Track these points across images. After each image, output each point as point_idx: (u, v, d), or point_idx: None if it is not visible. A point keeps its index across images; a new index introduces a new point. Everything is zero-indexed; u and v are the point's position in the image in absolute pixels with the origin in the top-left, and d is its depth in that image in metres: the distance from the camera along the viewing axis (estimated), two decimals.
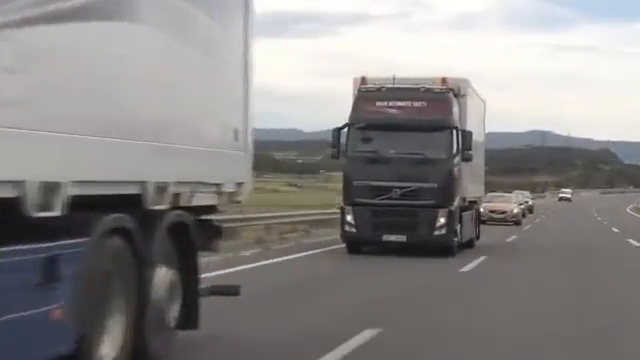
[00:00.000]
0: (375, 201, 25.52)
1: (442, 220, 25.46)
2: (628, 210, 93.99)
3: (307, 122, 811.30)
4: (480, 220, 32.03)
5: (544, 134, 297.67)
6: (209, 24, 9.55)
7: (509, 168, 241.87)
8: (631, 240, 37.08)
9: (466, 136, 25.91)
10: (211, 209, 10.25)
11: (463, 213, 27.16)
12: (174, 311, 9.05)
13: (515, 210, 51.85)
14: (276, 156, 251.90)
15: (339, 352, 10.67)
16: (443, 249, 25.70)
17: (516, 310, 15.48)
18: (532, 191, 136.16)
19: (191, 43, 9.04)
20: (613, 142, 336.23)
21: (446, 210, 25.46)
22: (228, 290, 11.09)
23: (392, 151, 25.73)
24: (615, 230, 47.71)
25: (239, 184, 10.65)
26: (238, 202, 10.86)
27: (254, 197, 13.90)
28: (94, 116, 7.16)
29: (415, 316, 14.25)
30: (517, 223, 50.69)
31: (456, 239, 26.03)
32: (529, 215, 68.79)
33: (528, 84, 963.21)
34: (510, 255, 29.33)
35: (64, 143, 6.69)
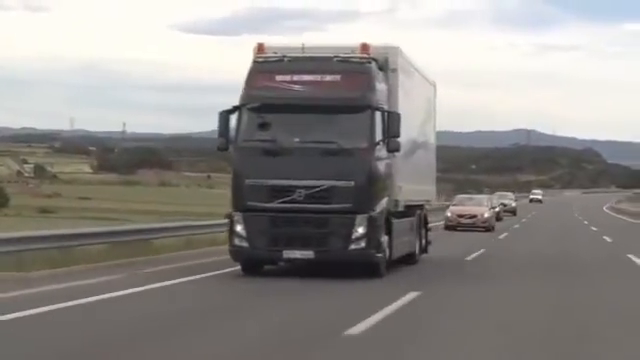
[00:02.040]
0: (273, 205, 18.53)
1: (360, 230, 18.44)
2: (604, 209, 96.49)
3: None
4: (427, 229, 24.70)
5: (529, 133, 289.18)
6: None
7: (495, 167, 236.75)
8: (594, 227, 49.77)
9: (392, 120, 18.86)
10: None
11: (395, 220, 20.13)
12: None
13: (486, 214, 43.83)
14: None
15: None
16: (365, 268, 18.75)
17: None
18: (518, 190, 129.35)
19: None
20: (597, 141, 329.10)
21: (365, 217, 18.44)
22: None
23: (295, 139, 18.74)
24: (589, 225, 54.12)
25: None
26: None
27: None
28: None
29: None
30: (488, 229, 42.73)
31: (381, 255, 18.93)
32: (512, 218, 62.17)
33: (514, 83, 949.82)
34: None
35: None
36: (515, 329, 12.66)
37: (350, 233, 18.37)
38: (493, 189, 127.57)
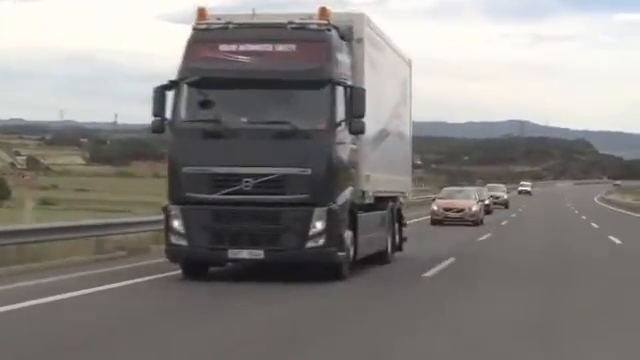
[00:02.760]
0: (216, 197, 15.65)
1: (318, 225, 15.56)
2: (595, 200, 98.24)
3: None
4: (402, 224, 21.76)
5: (522, 124, 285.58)
6: None
7: (488, 158, 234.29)
8: (584, 216, 53.00)
9: (356, 96, 15.95)
10: None
11: (362, 214, 17.25)
12: None
13: (474, 208, 40.90)
14: None
15: None
16: (325, 269, 15.89)
17: None
18: (510, 182, 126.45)
19: None
20: (589, 132, 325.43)
21: (325, 210, 15.55)
22: None
23: (242, 119, 15.91)
24: (579, 214, 56.21)
25: None
26: None
27: None
28: None
29: None
30: (476, 223, 39.81)
31: (343, 253, 16.01)
32: (504, 211, 58.80)
33: (507, 74, 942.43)
34: None
35: None
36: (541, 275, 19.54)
37: (307, 229, 15.49)
38: (486, 180, 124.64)
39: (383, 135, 19.26)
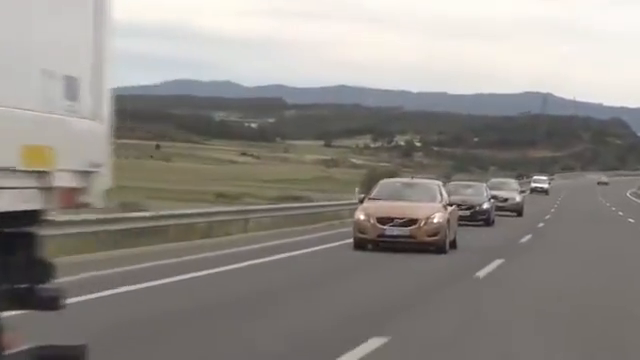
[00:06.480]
0: None
1: None
2: (628, 195, 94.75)
3: (247, 74, 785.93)
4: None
5: (545, 98, 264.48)
6: None
7: (503, 140, 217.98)
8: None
9: None
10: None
11: None
12: None
13: (437, 218, 24.37)
14: (216, 117, 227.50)
15: None
16: None
17: None
18: (531, 172, 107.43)
19: None
20: (626, 109, 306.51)
21: None
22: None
23: None
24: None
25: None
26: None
27: None
28: None
29: None
30: (441, 248, 23.63)
31: None
32: (518, 221, 41.19)
33: (527, 35, 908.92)
34: None
35: None
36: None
37: None
38: (500, 168, 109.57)
39: None
